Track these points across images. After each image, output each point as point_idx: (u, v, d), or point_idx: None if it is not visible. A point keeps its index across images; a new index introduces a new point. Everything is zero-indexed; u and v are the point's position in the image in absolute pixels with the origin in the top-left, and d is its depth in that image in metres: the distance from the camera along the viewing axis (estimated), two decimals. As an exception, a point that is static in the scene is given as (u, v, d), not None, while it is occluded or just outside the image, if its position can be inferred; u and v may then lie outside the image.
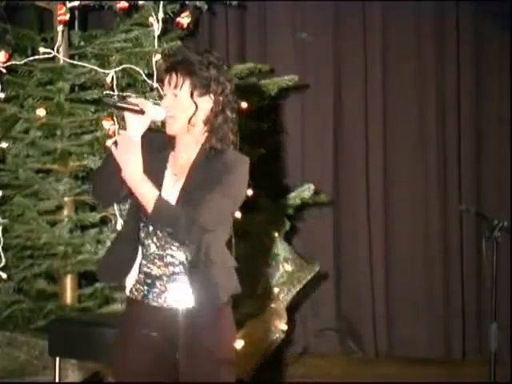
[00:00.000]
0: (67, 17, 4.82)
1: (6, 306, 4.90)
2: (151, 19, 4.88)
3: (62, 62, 4.88)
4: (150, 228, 2.98)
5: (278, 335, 5.14)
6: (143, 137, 2.93)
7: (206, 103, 2.95)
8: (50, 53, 4.81)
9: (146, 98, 4.84)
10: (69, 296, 4.93)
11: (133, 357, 2.99)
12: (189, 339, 2.97)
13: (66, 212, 4.95)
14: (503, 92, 6.41)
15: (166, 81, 2.96)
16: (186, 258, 2.95)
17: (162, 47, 4.86)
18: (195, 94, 2.93)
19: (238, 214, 4.84)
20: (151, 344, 2.99)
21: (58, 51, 4.83)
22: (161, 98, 4.75)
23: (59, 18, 4.80)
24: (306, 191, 5.31)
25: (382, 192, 6.49)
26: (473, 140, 6.48)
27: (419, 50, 6.45)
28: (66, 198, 4.93)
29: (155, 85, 4.81)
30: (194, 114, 2.94)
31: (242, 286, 3.06)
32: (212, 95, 2.95)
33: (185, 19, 4.90)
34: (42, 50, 4.82)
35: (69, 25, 4.98)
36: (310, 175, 6.31)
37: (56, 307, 4.89)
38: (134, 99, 2.96)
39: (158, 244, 2.98)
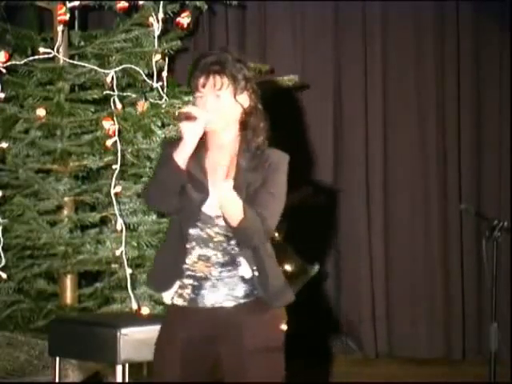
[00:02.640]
0: (67, 17, 4.82)
1: (6, 306, 4.90)
2: (151, 19, 4.88)
3: (61, 62, 4.88)
4: (195, 231, 2.97)
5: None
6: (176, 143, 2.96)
7: (245, 102, 2.97)
8: (49, 53, 4.81)
9: (146, 98, 4.85)
10: (69, 296, 4.93)
11: (178, 363, 2.98)
12: (239, 336, 2.96)
13: (66, 212, 4.94)
14: (503, 92, 6.41)
15: (209, 83, 2.93)
16: (249, 262, 2.97)
17: (162, 47, 4.87)
18: (237, 93, 2.94)
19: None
20: (196, 344, 2.98)
21: (58, 51, 4.83)
22: (161, 97, 4.80)
23: (59, 18, 4.80)
24: (306, 191, 5.30)
25: (381, 192, 6.48)
26: (473, 140, 6.48)
27: (419, 50, 6.45)
28: (66, 198, 4.93)
29: (155, 85, 4.81)
30: (240, 113, 2.96)
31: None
32: (248, 93, 2.97)
33: (185, 19, 4.90)
34: (41, 49, 4.82)
35: (69, 25, 4.98)
36: (310, 175, 6.31)
37: (56, 307, 4.89)
38: (185, 109, 2.97)
39: (202, 245, 2.98)
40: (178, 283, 3.02)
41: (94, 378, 4.75)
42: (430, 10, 6.43)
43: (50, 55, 4.82)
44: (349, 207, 6.52)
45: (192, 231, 2.97)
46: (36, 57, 4.83)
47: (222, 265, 2.97)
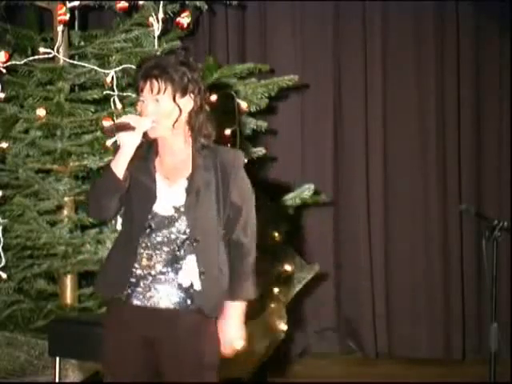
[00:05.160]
0: (67, 17, 4.82)
1: (6, 306, 4.90)
2: (151, 19, 4.88)
3: (61, 62, 4.88)
4: (147, 230, 3.00)
5: (277, 335, 5.14)
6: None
7: (188, 104, 2.99)
8: (49, 53, 4.81)
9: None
10: (69, 296, 4.93)
11: (120, 358, 3.02)
12: (174, 341, 2.98)
13: (65, 212, 4.94)
14: (503, 92, 6.41)
15: (146, 87, 2.97)
16: (201, 267, 2.98)
17: (162, 47, 4.87)
18: (177, 96, 2.96)
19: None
20: (135, 345, 3.01)
21: (58, 51, 4.83)
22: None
23: (59, 18, 4.79)
24: (305, 191, 5.30)
25: (382, 192, 6.49)
26: (473, 140, 6.48)
27: (419, 50, 6.45)
28: (66, 198, 4.93)
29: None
30: (179, 116, 2.98)
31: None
32: (192, 95, 2.98)
33: (185, 19, 4.90)
34: (41, 49, 4.82)
35: (69, 25, 4.98)
36: (310, 175, 6.31)
37: (56, 307, 4.89)
38: (122, 118, 3.00)
39: (148, 244, 3.00)
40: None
41: (93, 377, 4.75)
42: (430, 9, 6.43)
43: (50, 55, 4.82)
44: (349, 207, 6.52)
45: (143, 233, 2.99)
46: (36, 57, 4.83)
47: (163, 266, 2.98)
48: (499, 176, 6.44)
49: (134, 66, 4.81)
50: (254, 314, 5.02)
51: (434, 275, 6.42)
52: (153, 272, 2.98)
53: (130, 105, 4.86)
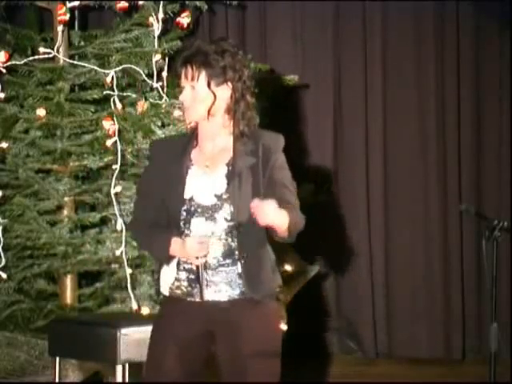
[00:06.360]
0: (67, 17, 4.82)
1: (6, 306, 4.90)
2: (151, 19, 4.89)
3: (61, 62, 4.89)
4: (195, 220, 2.97)
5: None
6: (162, 142, 3.09)
7: (225, 91, 2.96)
8: (49, 53, 4.82)
9: (146, 98, 4.85)
10: (69, 296, 4.93)
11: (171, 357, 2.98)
12: (237, 338, 2.95)
13: (65, 212, 4.95)
14: (503, 92, 6.41)
15: (183, 74, 2.96)
16: (245, 253, 2.96)
17: (162, 47, 4.87)
18: (212, 83, 2.94)
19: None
20: (191, 341, 2.98)
21: (58, 51, 4.84)
22: (161, 97, 4.81)
23: (59, 18, 4.80)
24: (306, 191, 5.30)
25: (381, 192, 6.48)
26: (473, 140, 6.48)
27: (419, 50, 6.45)
28: (66, 198, 4.94)
29: (155, 85, 4.82)
30: (213, 103, 2.95)
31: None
32: (230, 83, 2.96)
33: (185, 19, 4.91)
34: (41, 49, 4.83)
35: (69, 25, 4.99)
36: (310, 175, 6.30)
37: (56, 307, 4.89)
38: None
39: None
40: (174, 276, 3.01)
41: (94, 377, 4.76)
42: (430, 9, 6.42)
43: (50, 55, 4.83)
44: (349, 206, 6.52)
45: (188, 224, 2.97)
46: (36, 57, 4.84)
47: (222, 257, 2.97)
48: (499, 176, 6.44)
49: (134, 66, 4.83)
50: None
51: (434, 275, 6.41)
52: (212, 265, 2.96)
53: (130, 105, 4.87)
